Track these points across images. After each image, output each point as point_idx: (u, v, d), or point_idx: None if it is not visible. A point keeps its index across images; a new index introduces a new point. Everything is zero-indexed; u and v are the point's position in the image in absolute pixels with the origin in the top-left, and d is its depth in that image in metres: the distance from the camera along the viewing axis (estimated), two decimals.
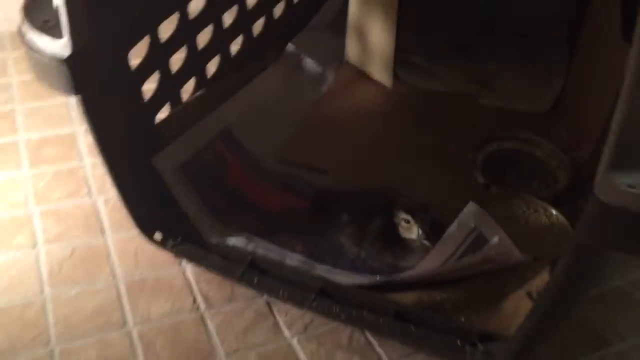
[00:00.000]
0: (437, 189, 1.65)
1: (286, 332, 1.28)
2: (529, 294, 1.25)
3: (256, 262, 1.31)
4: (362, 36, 1.92)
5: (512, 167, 1.72)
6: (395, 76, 1.94)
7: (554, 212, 1.53)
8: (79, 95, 1.04)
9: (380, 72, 1.95)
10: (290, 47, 1.88)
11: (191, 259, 1.37)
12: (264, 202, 1.51)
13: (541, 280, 1.32)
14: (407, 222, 1.40)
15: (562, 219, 1.51)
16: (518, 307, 1.30)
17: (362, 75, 1.99)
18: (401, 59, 1.97)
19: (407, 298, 1.34)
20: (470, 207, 1.33)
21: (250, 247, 1.35)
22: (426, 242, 1.37)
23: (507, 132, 1.79)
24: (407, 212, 1.40)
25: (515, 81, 2.03)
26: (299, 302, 1.27)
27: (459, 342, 1.18)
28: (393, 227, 1.43)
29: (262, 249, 1.36)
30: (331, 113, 1.87)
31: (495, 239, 1.26)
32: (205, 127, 1.51)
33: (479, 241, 1.33)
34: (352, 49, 1.98)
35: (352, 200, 1.51)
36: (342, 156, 1.68)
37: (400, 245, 1.42)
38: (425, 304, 1.32)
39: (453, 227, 1.32)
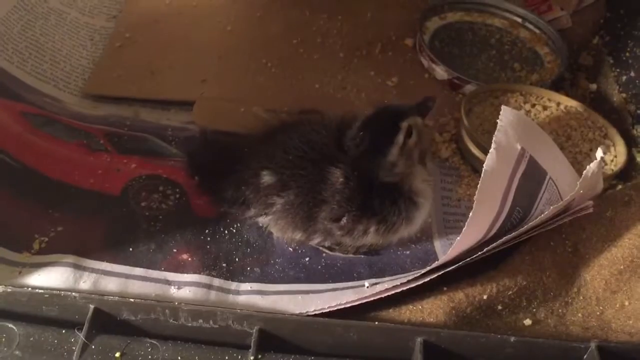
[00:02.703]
0: (373, 100, 1.02)
1: None
2: None
3: (106, 314, 0.68)
4: None
5: (471, 49, 1.11)
6: None
7: (570, 103, 0.97)
8: None
9: None
10: None
11: None
12: (87, 180, 0.87)
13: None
14: (410, 134, 0.74)
15: (588, 111, 0.96)
16: (608, 279, 0.75)
17: None
18: None
19: (427, 312, 0.71)
20: (508, 116, 0.70)
21: (84, 282, 0.74)
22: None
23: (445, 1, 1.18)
24: (392, 130, 0.73)
25: None
26: None
27: None
28: (362, 176, 0.75)
29: (111, 280, 0.75)
30: (158, 6, 1.20)
31: (572, 171, 0.69)
32: None
33: (534, 174, 0.71)
34: None
35: (268, 141, 0.80)
36: (201, 73, 1.06)
37: (396, 204, 0.76)
38: (463, 312, 0.70)
39: (491, 158, 0.67)
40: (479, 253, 0.70)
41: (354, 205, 0.75)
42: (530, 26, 1.15)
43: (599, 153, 0.69)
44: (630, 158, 0.90)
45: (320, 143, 0.77)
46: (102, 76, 1.03)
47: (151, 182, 0.86)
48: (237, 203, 0.80)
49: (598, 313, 0.74)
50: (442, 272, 0.70)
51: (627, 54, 1.03)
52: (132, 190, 0.85)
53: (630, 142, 0.93)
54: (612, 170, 0.89)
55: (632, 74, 1.00)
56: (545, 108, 0.98)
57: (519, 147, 0.72)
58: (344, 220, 0.76)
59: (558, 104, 0.98)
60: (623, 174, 0.90)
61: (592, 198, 0.76)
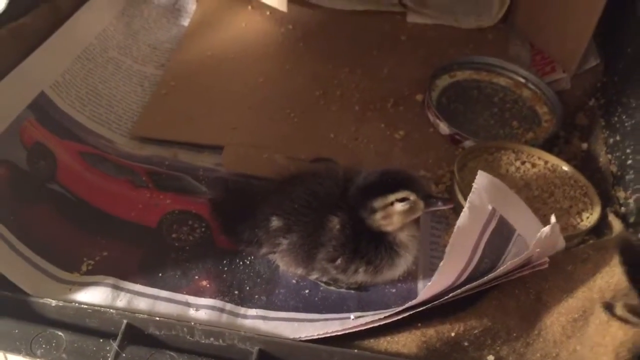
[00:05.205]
0: (380, 152, 1.13)
1: None
2: (608, 306, 0.78)
3: (136, 328, 0.82)
4: None
5: (475, 106, 1.23)
6: None
7: (557, 162, 1.07)
8: None
9: None
10: None
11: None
12: (130, 213, 1.01)
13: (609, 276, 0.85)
14: (403, 200, 0.86)
15: (572, 171, 1.06)
16: (565, 325, 0.85)
17: None
18: None
19: (402, 344, 0.83)
20: (482, 180, 0.82)
21: (120, 300, 0.88)
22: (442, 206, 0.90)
23: (457, 59, 1.29)
24: (391, 188, 0.86)
25: None
26: None
27: None
28: (357, 224, 0.89)
29: (142, 300, 0.89)
30: (201, 57, 1.35)
31: (541, 229, 0.79)
32: (6, 94, 0.98)
33: (503, 230, 0.83)
34: None
35: (279, 191, 0.94)
36: (233, 121, 1.20)
37: (378, 249, 0.89)
38: (433, 346, 0.82)
39: (464, 216, 0.80)
40: (449, 296, 0.82)
41: (348, 249, 0.88)
42: (532, 86, 1.26)
43: (553, 218, 0.80)
44: (603, 216, 1.00)
45: (323, 193, 0.90)
46: (148, 120, 1.16)
47: (182, 216, 0.99)
48: (252, 243, 0.94)
49: (554, 354, 0.84)
50: (416, 310, 0.83)
51: (616, 119, 1.12)
52: (166, 223, 0.98)
53: (607, 201, 1.03)
54: (586, 226, 0.99)
55: (618, 137, 1.09)
56: (534, 165, 1.08)
57: (490, 207, 0.83)
58: (339, 261, 0.89)
59: (546, 162, 1.08)
60: (597, 230, 1.00)
61: (554, 254, 0.87)
